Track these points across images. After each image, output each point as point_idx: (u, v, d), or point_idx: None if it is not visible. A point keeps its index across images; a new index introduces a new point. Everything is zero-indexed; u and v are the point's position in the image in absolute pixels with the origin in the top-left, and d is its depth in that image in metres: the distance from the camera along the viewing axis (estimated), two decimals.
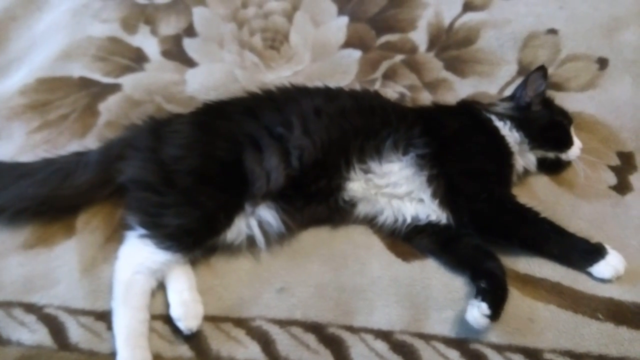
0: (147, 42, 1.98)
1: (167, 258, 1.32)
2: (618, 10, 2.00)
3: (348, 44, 1.99)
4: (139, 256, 1.32)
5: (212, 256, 1.41)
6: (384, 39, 2.00)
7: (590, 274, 1.37)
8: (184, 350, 1.28)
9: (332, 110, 1.50)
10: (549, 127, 1.57)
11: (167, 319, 1.31)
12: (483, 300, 1.24)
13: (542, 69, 1.60)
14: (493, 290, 1.27)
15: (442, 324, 1.31)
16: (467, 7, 2.05)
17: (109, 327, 1.29)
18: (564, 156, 1.58)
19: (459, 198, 1.45)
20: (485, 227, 1.42)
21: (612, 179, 1.60)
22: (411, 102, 1.79)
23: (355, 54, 1.95)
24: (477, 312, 1.23)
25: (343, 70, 1.91)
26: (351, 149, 1.46)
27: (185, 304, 1.30)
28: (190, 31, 2.02)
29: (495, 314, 1.24)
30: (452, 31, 2.00)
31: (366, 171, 1.46)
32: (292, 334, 1.30)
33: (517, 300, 1.30)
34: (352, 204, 1.47)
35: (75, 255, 1.41)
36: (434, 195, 1.45)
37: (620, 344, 1.27)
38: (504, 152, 1.53)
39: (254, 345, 1.29)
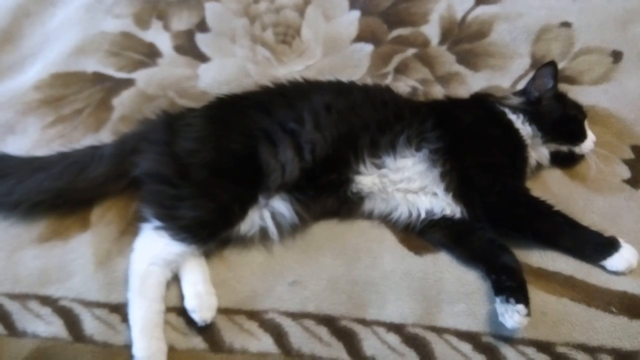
0: (159, 37, 1.99)
1: (182, 250, 1.33)
2: (632, 3, 1.98)
3: (360, 38, 1.98)
4: (154, 248, 1.33)
5: (225, 249, 1.42)
6: (396, 32, 1.99)
7: (603, 267, 1.37)
8: (198, 342, 1.29)
9: (342, 106, 1.50)
10: (562, 121, 1.56)
11: (181, 311, 1.32)
12: (518, 301, 1.23)
13: (552, 65, 1.59)
14: (520, 287, 1.27)
15: (454, 317, 1.31)
16: (480, 1, 2.04)
17: (124, 320, 1.30)
18: (577, 150, 1.57)
19: (472, 191, 1.44)
20: (499, 220, 1.42)
21: (626, 173, 1.59)
22: (423, 96, 1.79)
23: (367, 48, 1.95)
24: (517, 316, 1.22)
25: (355, 65, 1.90)
26: (361, 144, 1.46)
27: (200, 296, 1.31)
28: (202, 26, 2.03)
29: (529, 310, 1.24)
30: (465, 24, 1.99)
31: (380, 166, 1.46)
32: (305, 326, 1.31)
33: (530, 293, 1.28)
34: (360, 196, 1.47)
35: (90, 248, 1.42)
36: (447, 189, 1.45)
37: (634, 338, 1.27)
38: (517, 145, 1.52)
39: (267, 338, 1.30)
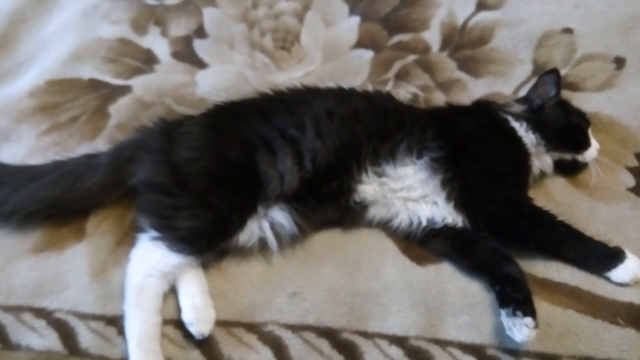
0: (157, 44, 1.97)
1: (179, 261, 1.30)
2: (635, 9, 1.97)
3: (360, 44, 1.97)
4: (151, 259, 1.31)
5: (223, 260, 1.40)
6: (396, 38, 1.98)
7: (608, 279, 1.35)
8: (196, 355, 1.26)
9: (344, 113, 1.48)
10: (565, 129, 1.55)
11: (179, 324, 1.29)
12: (525, 314, 1.20)
13: (554, 73, 1.57)
14: (526, 299, 1.25)
15: (458, 330, 1.29)
16: (481, 6, 2.03)
17: (120, 332, 1.28)
18: (581, 158, 1.55)
19: (474, 200, 1.42)
20: (501, 230, 1.40)
21: (630, 181, 1.57)
22: (424, 103, 1.78)
23: (367, 54, 1.94)
24: (526, 329, 1.19)
25: (355, 71, 1.89)
26: (363, 152, 1.45)
27: (197, 309, 1.28)
28: (200, 32, 2.01)
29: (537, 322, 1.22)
30: (466, 31, 1.97)
31: (380, 174, 1.45)
32: (305, 339, 1.29)
33: (535, 304, 1.25)
34: (362, 205, 1.46)
35: (86, 259, 1.40)
36: (449, 198, 1.43)
37: None
38: (520, 154, 1.50)
39: (266, 351, 1.27)
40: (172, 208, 1.34)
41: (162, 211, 1.35)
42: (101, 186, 1.43)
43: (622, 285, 1.34)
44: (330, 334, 1.29)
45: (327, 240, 1.45)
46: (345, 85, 1.63)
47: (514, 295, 1.25)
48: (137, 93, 1.80)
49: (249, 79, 1.86)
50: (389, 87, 1.83)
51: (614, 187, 1.56)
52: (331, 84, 1.63)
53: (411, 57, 1.92)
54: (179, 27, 2.02)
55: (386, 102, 1.57)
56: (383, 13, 2.05)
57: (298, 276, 1.38)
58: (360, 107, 1.51)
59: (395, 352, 1.26)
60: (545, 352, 1.25)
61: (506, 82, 1.82)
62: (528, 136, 1.53)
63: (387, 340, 1.28)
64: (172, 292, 1.33)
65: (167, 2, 2.10)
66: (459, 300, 1.33)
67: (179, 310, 1.30)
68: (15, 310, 1.32)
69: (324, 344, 1.28)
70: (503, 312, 1.24)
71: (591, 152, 1.55)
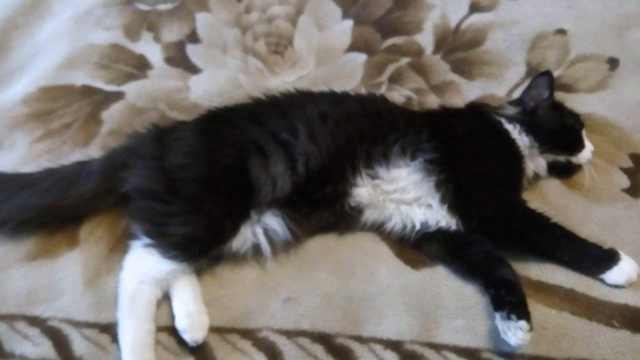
0: (150, 49, 1.96)
1: (172, 267, 1.30)
2: (628, 9, 1.98)
3: (353, 47, 1.97)
4: (144, 266, 1.30)
5: (217, 266, 1.39)
6: (390, 41, 1.97)
7: (603, 281, 1.34)
8: None
9: (337, 115, 1.48)
10: (559, 131, 1.54)
11: (172, 331, 1.29)
12: (520, 317, 1.20)
13: (547, 75, 1.56)
14: (521, 302, 1.24)
15: (453, 333, 1.28)
16: (474, 8, 2.03)
17: (114, 340, 1.27)
18: (575, 160, 1.55)
19: (468, 203, 1.42)
20: (495, 233, 1.40)
21: (624, 182, 1.57)
22: (418, 106, 1.77)
23: (361, 57, 1.93)
24: (521, 333, 1.19)
25: (348, 75, 1.89)
26: (357, 155, 1.44)
27: (191, 315, 1.28)
28: (193, 37, 2.01)
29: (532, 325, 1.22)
30: (459, 33, 1.97)
31: (373, 177, 1.44)
32: (300, 344, 1.28)
33: (529, 307, 1.25)
34: (358, 210, 1.45)
35: (79, 267, 1.39)
36: (443, 200, 1.43)
37: (637, 352, 1.24)
38: (514, 156, 1.50)
39: (261, 357, 1.27)
40: (165, 214, 1.34)
41: (154, 218, 1.35)
42: (94, 193, 1.42)
43: (616, 287, 1.33)
44: (325, 339, 1.28)
45: (321, 245, 1.44)
46: (339, 88, 1.62)
47: (508, 299, 1.24)
48: (130, 99, 1.79)
49: (242, 83, 1.86)
50: (382, 90, 1.82)
51: (609, 188, 1.55)
52: (324, 87, 1.62)
53: (404, 60, 1.91)
54: (172, 33, 2.02)
55: (379, 104, 1.57)
56: (376, 16, 2.05)
57: (292, 281, 1.38)
58: (353, 110, 1.50)
59: (390, 356, 1.26)
60: (541, 355, 1.25)
61: (500, 84, 1.82)
62: (522, 138, 1.52)
63: (382, 345, 1.27)
64: (165, 298, 1.32)
65: (159, 8, 2.10)
66: (453, 304, 1.33)
67: (172, 317, 1.29)
68: (9, 318, 1.32)
69: (318, 349, 1.27)
70: (497, 315, 1.24)
71: (585, 154, 1.55)
